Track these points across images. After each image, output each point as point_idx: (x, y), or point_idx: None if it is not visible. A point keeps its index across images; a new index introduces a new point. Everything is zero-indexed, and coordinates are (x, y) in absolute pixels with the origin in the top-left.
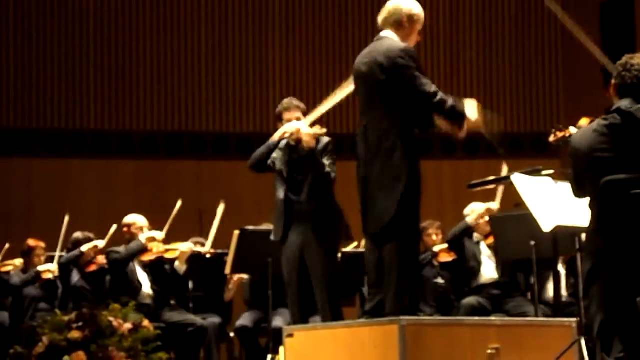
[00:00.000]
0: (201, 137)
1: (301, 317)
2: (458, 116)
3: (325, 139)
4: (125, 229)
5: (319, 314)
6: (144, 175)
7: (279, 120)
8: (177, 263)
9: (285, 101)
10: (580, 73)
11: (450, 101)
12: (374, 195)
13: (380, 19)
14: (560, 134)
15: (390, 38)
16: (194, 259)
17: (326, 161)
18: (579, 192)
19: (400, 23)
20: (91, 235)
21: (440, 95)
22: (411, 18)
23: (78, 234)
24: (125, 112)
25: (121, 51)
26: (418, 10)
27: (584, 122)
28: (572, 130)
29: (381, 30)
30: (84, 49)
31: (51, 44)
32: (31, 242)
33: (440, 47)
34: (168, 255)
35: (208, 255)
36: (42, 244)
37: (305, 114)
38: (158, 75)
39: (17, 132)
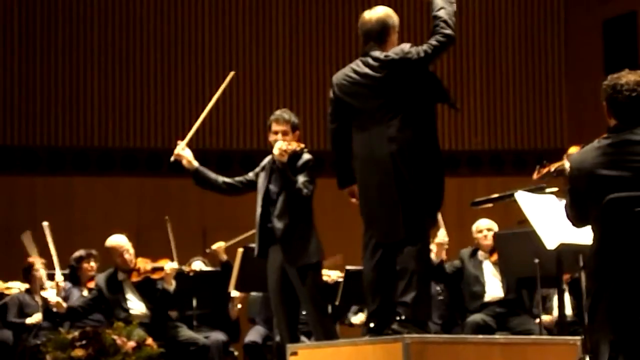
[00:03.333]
0: (205, 154)
1: (290, 337)
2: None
3: (306, 157)
4: (109, 253)
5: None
6: (148, 192)
7: (269, 130)
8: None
9: (276, 112)
10: (584, 90)
11: (444, 17)
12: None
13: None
14: (544, 170)
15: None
16: (180, 277)
17: (301, 178)
18: (579, 219)
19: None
20: (93, 251)
21: (435, 39)
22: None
23: (81, 252)
24: (129, 129)
25: (125, 69)
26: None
27: (573, 149)
28: (566, 164)
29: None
30: (88, 67)
31: (55, 62)
32: (31, 259)
33: (443, 63)
34: (155, 276)
35: (191, 274)
36: (41, 260)
37: (295, 128)
38: (162, 93)
39: (21, 149)
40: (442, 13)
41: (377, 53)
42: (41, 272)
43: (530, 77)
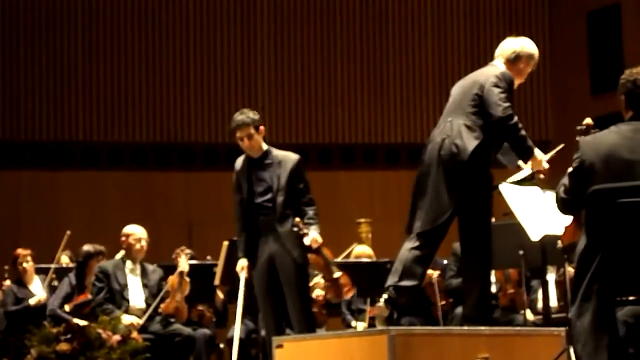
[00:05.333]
0: (190, 148)
1: (276, 328)
2: (526, 149)
3: (294, 157)
4: (123, 239)
5: (292, 326)
6: (133, 186)
7: (235, 134)
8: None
9: (235, 118)
10: (568, 81)
11: (524, 132)
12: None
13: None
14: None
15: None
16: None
17: (304, 188)
18: (572, 206)
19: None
20: (102, 248)
21: (516, 119)
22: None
23: (89, 247)
24: (114, 123)
25: (109, 63)
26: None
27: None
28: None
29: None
30: (72, 61)
31: (39, 56)
32: (19, 250)
33: (429, 58)
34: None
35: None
36: (28, 251)
37: (257, 126)
38: (147, 87)
39: (6, 144)
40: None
41: (496, 69)
42: (24, 265)
43: None
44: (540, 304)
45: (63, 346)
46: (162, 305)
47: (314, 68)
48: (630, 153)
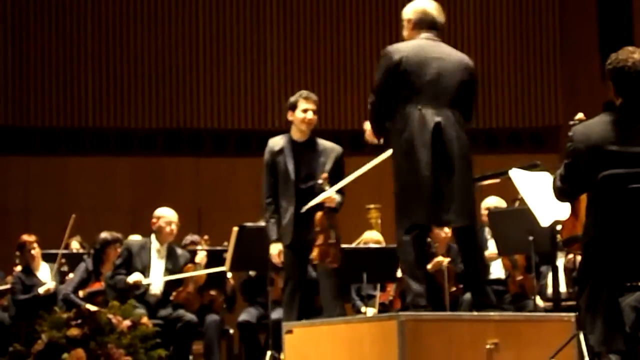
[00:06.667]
0: (200, 134)
1: (298, 316)
2: None
3: (339, 148)
4: (154, 220)
5: (324, 311)
6: (143, 172)
7: (292, 110)
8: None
9: (303, 92)
10: (579, 68)
11: None
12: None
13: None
14: None
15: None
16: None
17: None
18: (569, 194)
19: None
20: (119, 235)
21: None
22: None
23: (106, 234)
24: (123, 109)
25: (119, 49)
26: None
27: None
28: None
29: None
30: (82, 47)
31: (49, 42)
32: (24, 237)
33: None
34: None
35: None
36: (33, 237)
37: (314, 111)
38: (156, 73)
39: (15, 130)
40: None
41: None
42: (31, 251)
43: (525, 56)
44: (550, 290)
45: (73, 331)
46: (173, 293)
47: (323, 55)
48: (619, 144)
